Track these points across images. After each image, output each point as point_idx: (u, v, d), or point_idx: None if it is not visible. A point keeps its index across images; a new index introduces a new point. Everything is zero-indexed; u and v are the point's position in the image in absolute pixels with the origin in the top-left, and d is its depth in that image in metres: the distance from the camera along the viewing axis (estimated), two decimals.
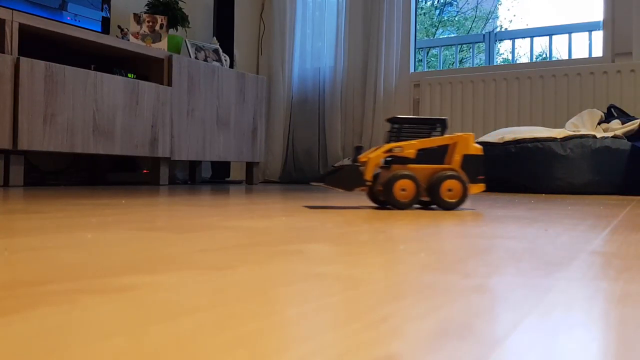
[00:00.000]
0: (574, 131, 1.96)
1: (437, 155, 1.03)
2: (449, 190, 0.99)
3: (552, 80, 2.49)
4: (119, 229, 0.59)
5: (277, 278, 0.34)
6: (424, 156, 1.02)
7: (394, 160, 1.01)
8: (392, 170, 1.00)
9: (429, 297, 0.29)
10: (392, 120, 1.04)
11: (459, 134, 1.03)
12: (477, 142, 2.13)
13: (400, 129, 1.03)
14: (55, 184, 2.04)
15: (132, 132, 1.99)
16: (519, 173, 1.95)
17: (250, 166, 2.62)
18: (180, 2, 2.57)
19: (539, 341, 0.22)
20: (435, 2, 7.80)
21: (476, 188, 1.02)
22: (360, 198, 1.35)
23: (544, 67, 2.53)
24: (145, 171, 2.27)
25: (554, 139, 1.91)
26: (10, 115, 1.64)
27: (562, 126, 2.41)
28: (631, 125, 1.94)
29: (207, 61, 2.44)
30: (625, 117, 2.05)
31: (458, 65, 3.52)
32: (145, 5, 2.40)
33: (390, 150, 1.00)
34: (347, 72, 2.89)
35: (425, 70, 3.10)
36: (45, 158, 2.10)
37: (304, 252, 0.44)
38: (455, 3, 7.87)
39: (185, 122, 2.21)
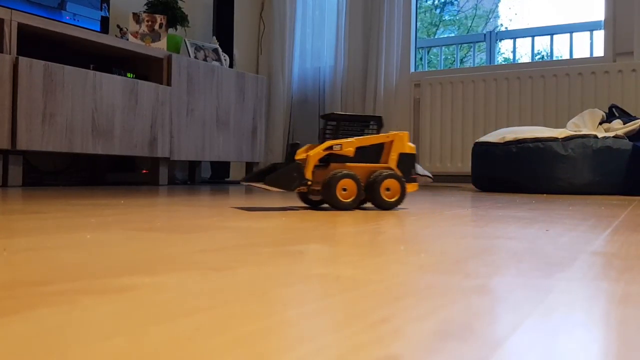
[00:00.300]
0: (575, 131, 1.95)
1: (372, 153, 0.99)
2: (387, 189, 0.96)
3: (553, 80, 2.48)
4: (119, 230, 0.59)
5: (276, 279, 0.34)
6: (359, 155, 0.98)
7: (331, 158, 0.96)
8: (330, 169, 0.96)
9: (429, 298, 0.29)
10: (327, 117, 1.00)
11: (394, 132, 1.01)
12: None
13: (337, 126, 0.99)
14: (55, 184, 2.04)
15: (132, 132, 1.99)
16: (520, 173, 1.95)
17: (250, 166, 2.62)
18: (179, 2, 2.57)
19: (540, 342, 0.22)
20: (436, 1, 7.80)
21: (410, 187, 1.00)
22: (287, 198, 1.33)
23: (545, 67, 2.52)
24: (144, 171, 2.27)
25: (555, 139, 1.91)
26: (9, 115, 1.64)
27: (563, 126, 2.41)
28: (632, 125, 1.93)
29: (206, 61, 2.44)
30: (626, 117, 2.05)
31: (459, 64, 3.52)
32: (145, 5, 2.40)
33: (330, 148, 0.95)
34: (347, 71, 2.89)
35: (426, 68, 3.10)
36: (44, 158, 2.10)
37: (304, 253, 0.44)
38: (456, 2, 7.88)
39: (184, 122, 2.20)
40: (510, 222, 0.76)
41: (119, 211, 0.84)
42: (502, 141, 2.02)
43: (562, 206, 1.15)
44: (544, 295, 0.30)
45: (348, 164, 0.97)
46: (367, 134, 1.01)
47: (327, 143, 0.96)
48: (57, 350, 0.19)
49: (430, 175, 2.40)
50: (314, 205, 1.02)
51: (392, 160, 0.99)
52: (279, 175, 0.90)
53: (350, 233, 0.59)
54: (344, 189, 0.93)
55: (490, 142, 2.06)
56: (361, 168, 0.98)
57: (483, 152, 2.08)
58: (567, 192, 1.88)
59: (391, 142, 1.00)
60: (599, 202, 1.32)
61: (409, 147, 1.00)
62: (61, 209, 0.87)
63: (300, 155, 0.98)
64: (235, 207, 0.97)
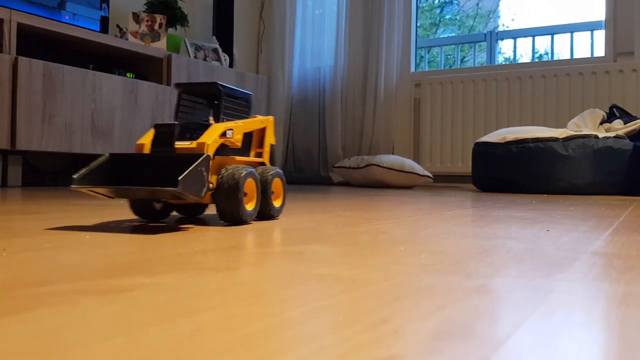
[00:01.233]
0: (575, 131, 1.95)
1: (243, 142, 0.75)
2: (272, 192, 0.73)
3: (553, 80, 2.48)
4: (118, 230, 0.59)
5: (277, 279, 0.34)
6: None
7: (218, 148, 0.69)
8: (216, 163, 0.68)
9: (429, 298, 0.29)
10: (183, 87, 0.72)
11: (261, 117, 0.78)
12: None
13: (225, 106, 0.71)
14: (54, 185, 2.04)
15: (131, 132, 1.99)
16: (521, 173, 1.95)
17: None
18: (179, 2, 2.57)
19: (541, 342, 0.22)
20: (436, 0, 7.80)
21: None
22: (105, 209, 0.86)
23: (546, 67, 2.52)
24: None
25: (555, 139, 1.91)
26: (8, 115, 1.64)
27: (563, 126, 2.41)
28: (633, 125, 1.93)
29: (206, 61, 2.44)
30: (627, 117, 2.05)
31: (459, 64, 3.52)
32: (144, 5, 2.40)
33: (224, 135, 0.67)
34: (348, 71, 2.89)
35: (427, 68, 3.10)
36: (44, 158, 2.10)
37: (305, 253, 0.44)
38: (456, 2, 7.88)
39: None
40: (510, 222, 0.76)
41: (118, 211, 0.84)
42: (502, 141, 2.02)
43: (562, 206, 1.14)
44: (545, 295, 0.30)
45: (237, 157, 0.71)
46: (239, 116, 0.74)
47: (218, 126, 0.67)
48: (57, 351, 0.19)
49: (431, 175, 2.40)
50: (153, 219, 0.69)
51: (266, 153, 0.78)
52: (190, 175, 0.57)
53: (350, 233, 0.59)
54: (245, 194, 0.67)
55: (491, 142, 2.06)
56: (245, 163, 0.73)
57: (483, 152, 2.08)
58: (567, 193, 1.88)
59: (264, 128, 0.78)
60: (600, 203, 1.32)
61: (273, 137, 0.80)
62: (60, 209, 0.87)
63: (188, 143, 0.65)
64: (49, 229, 0.58)
